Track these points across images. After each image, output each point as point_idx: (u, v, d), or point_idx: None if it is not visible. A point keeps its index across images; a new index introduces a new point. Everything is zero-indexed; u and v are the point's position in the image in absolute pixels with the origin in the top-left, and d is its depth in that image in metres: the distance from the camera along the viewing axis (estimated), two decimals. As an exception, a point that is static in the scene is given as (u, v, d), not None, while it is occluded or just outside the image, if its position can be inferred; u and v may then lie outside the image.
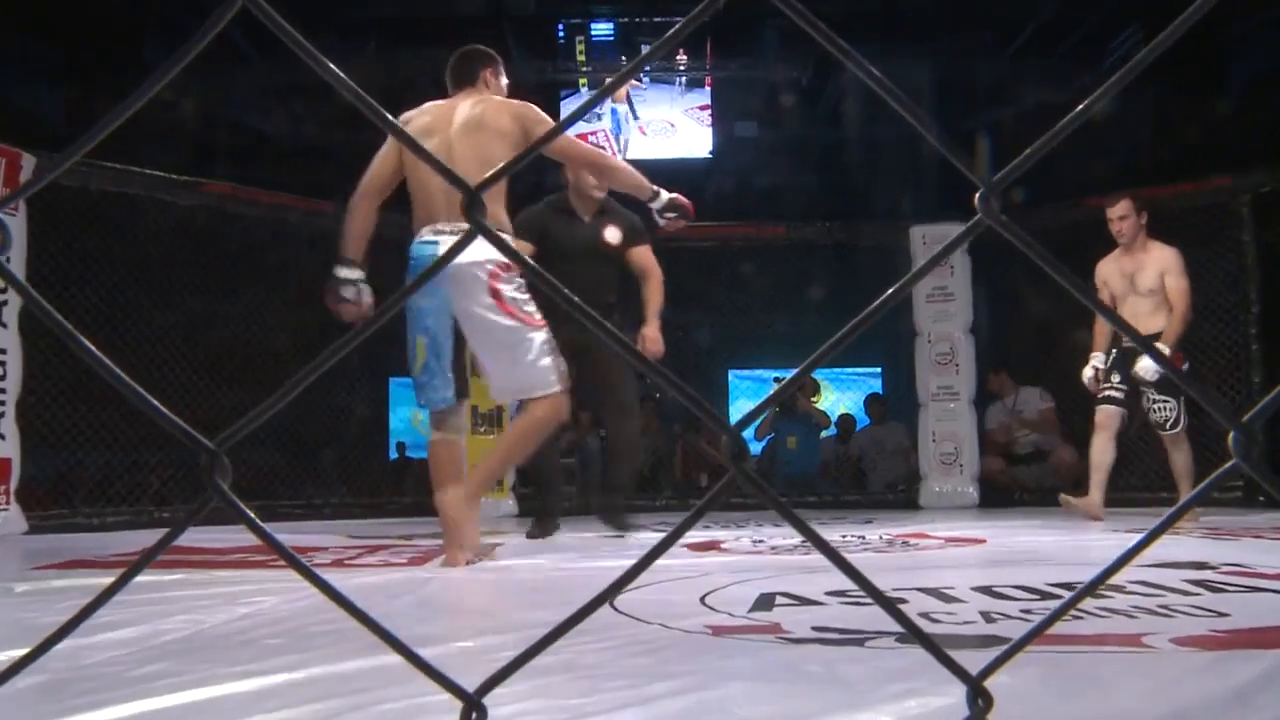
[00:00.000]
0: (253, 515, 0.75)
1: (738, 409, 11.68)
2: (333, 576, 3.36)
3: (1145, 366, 5.41)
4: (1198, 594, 2.44)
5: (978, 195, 0.75)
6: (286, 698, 1.51)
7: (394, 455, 11.23)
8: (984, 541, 4.39)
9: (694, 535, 4.65)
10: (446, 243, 3.53)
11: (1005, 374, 8.40)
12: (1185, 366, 5.37)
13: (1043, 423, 8.18)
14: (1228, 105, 9.13)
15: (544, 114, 3.79)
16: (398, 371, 11.94)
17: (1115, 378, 5.67)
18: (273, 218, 7.20)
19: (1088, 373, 5.72)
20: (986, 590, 2.58)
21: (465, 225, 3.01)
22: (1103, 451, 5.65)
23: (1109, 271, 5.69)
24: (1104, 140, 8.87)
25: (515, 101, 3.80)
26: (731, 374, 12.11)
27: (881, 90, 0.76)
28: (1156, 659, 1.70)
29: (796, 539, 4.75)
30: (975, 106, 10.98)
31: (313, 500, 7.42)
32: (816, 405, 9.93)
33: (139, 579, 2.67)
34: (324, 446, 7.73)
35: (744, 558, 3.74)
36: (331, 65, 0.73)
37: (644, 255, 5.17)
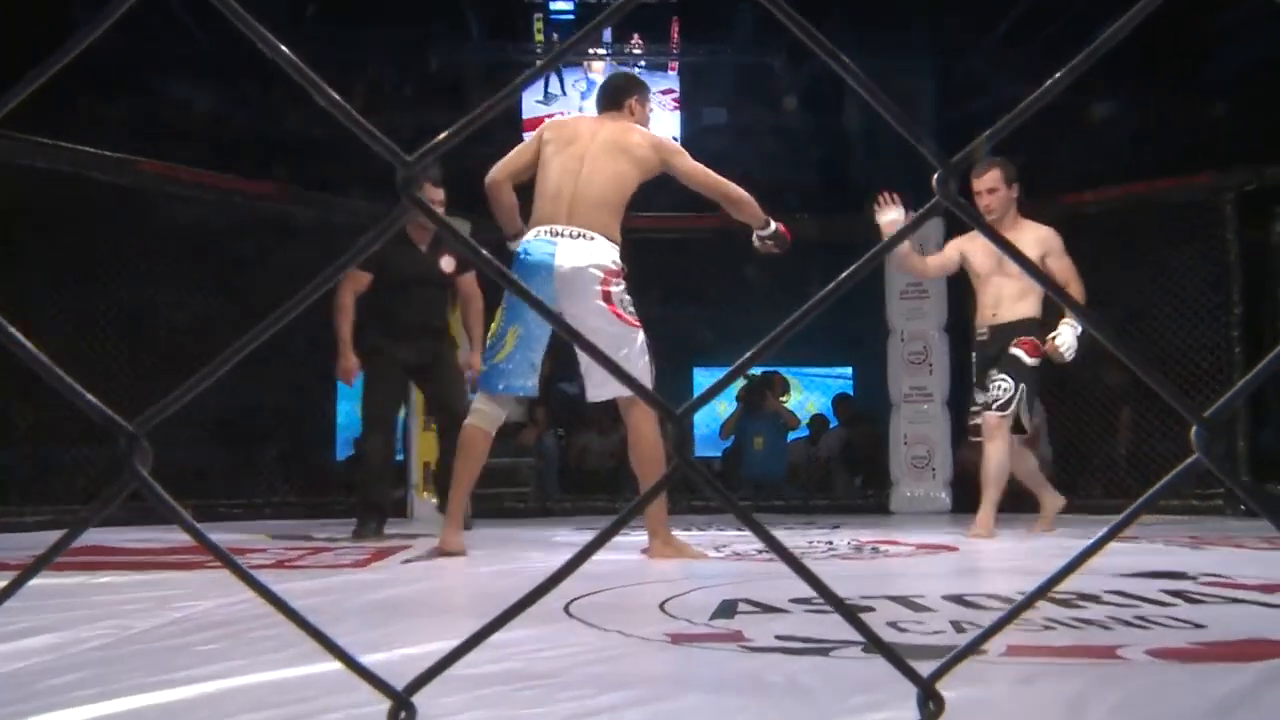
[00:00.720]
0: (175, 504, 0.74)
1: (703, 421, 11.69)
2: (274, 579, 3.32)
3: (1066, 343, 5.04)
4: (1175, 605, 2.46)
5: (935, 176, 0.76)
6: (218, 707, 1.48)
7: (342, 454, 11.15)
8: (956, 549, 4.42)
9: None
10: (564, 245, 3.93)
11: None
12: (1039, 359, 5.14)
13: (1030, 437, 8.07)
14: (1212, 101, 9.23)
15: (679, 146, 4.32)
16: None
17: (981, 397, 5.30)
18: (219, 200, 7.11)
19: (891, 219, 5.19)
20: (957, 599, 2.59)
21: (583, 229, 3.57)
22: (1021, 466, 5.41)
23: (973, 248, 5.38)
24: (1087, 137, 8.96)
25: (657, 134, 4.32)
26: (697, 372, 12.12)
27: (836, 64, 0.76)
28: (1131, 671, 1.71)
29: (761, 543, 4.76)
30: (965, 92, 11.04)
31: (253, 500, 7.34)
32: (785, 404, 9.94)
33: (63, 582, 2.61)
34: (266, 443, 7.66)
35: (705, 562, 3.74)
36: (278, 43, 0.72)
37: (471, 282, 5.50)
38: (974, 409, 5.36)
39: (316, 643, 0.75)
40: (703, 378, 12.13)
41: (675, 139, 11.65)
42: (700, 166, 4.18)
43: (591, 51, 11.64)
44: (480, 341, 5.28)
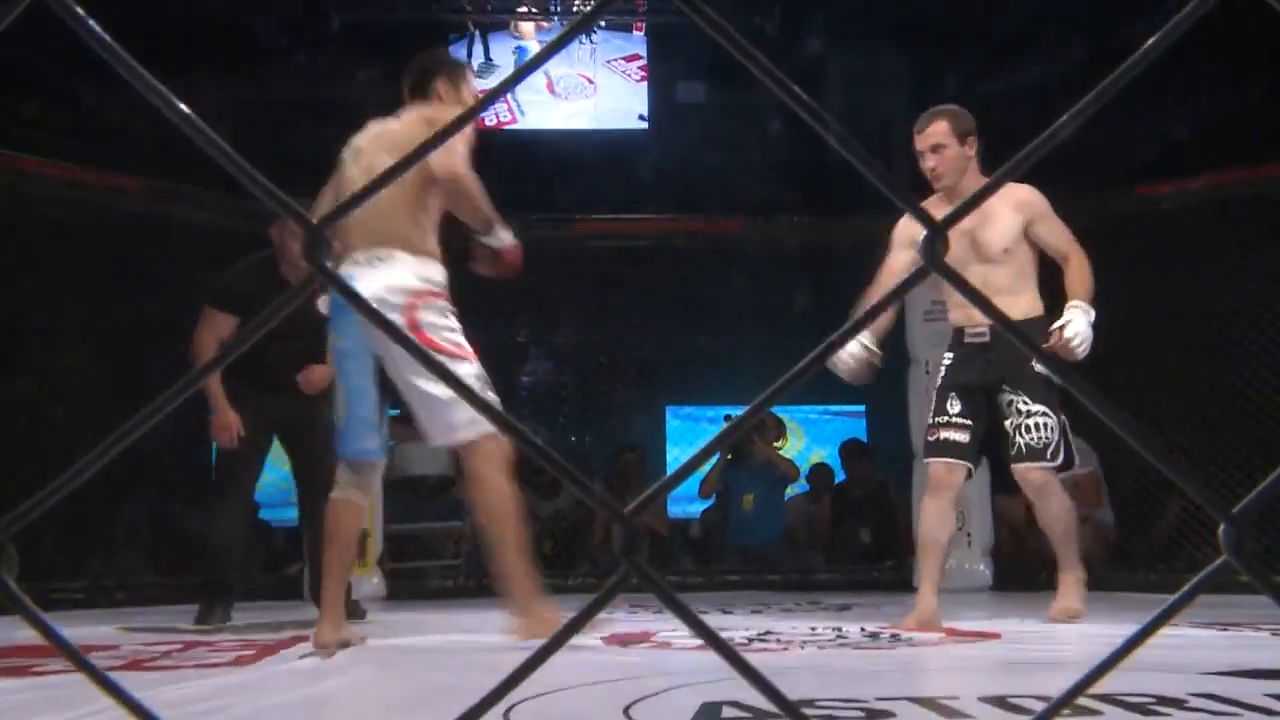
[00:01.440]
0: (48, 621, 0.76)
1: (676, 457, 11.69)
2: (132, 685, 3.29)
3: (1078, 333, 4.65)
4: (1281, 711, 2.47)
5: (921, 239, 0.80)
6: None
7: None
8: (997, 636, 4.44)
9: (619, 624, 4.64)
10: (364, 275, 4.01)
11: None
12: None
13: (1082, 489, 7.93)
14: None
15: (439, 119, 4.17)
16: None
17: (955, 405, 5.04)
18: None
19: (850, 352, 4.78)
20: (999, 701, 2.60)
21: (383, 253, 3.64)
22: (937, 525, 5.08)
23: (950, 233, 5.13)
24: (1154, 120, 9.08)
25: (442, 113, 4.29)
26: (670, 411, 12.13)
27: (804, 110, 0.80)
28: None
29: (754, 627, 4.76)
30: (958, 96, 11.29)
31: (101, 580, 7.23)
32: (780, 453, 9.88)
33: None
34: (116, 508, 7.58)
35: (683, 653, 3.74)
36: (173, 99, 0.75)
37: None
38: (940, 420, 5.08)
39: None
40: (676, 419, 12.15)
41: (642, 116, 11.73)
42: (456, 154, 4.09)
43: (525, 9, 11.71)
44: None
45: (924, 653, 3.92)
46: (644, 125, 11.70)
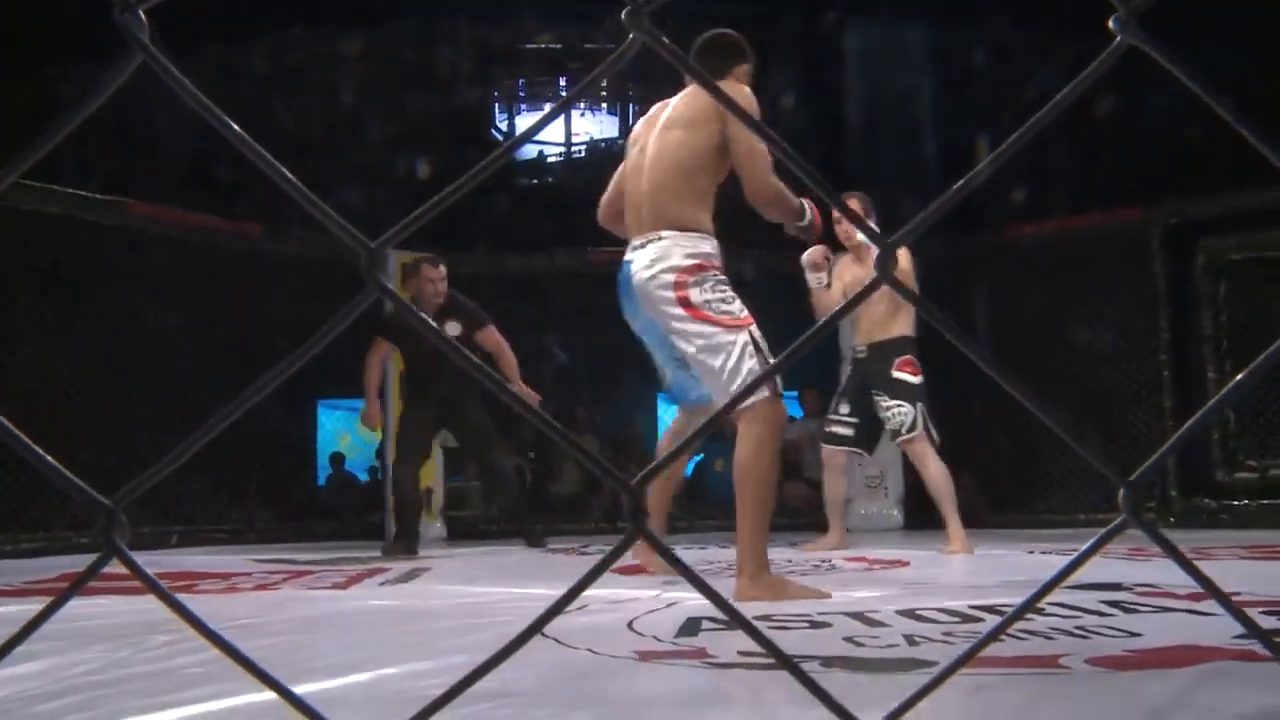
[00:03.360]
0: (154, 577, 0.75)
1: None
2: (255, 601, 3.28)
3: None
4: (1112, 615, 2.48)
5: (875, 256, 0.78)
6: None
7: (322, 479, 11.06)
8: (907, 564, 4.44)
9: (622, 558, 4.63)
10: (637, 256, 3.37)
11: (814, 393, 8.62)
12: (921, 377, 5.18)
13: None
14: (1143, 135, 9.31)
15: (747, 95, 3.34)
16: (325, 393, 11.72)
17: (844, 407, 5.42)
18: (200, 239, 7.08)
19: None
20: (910, 614, 2.60)
21: (659, 235, 2.96)
22: (835, 488, 5.55)
23: (839, 269, 5.38)
24: (1023, 168, 9.06)
25: (730, 85, 3.37)
26: (661, 397, 12.10)
27: (774, 145, 0.78)
28: (1073, 680, 1.72)
29: (725, 560, 4.76)
30: (982, 80, 10.31)
31: (237, 525, 7.26)
32: None
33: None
34: (248, 469, 7.58)
35: (677, 584, 3.73)
36: (243, 133, 0.73)
37: (490, 336, 5.99)
38: (833, 417, 5.47)
39: (260, 681, 0.74)
40: (666, 404, 12.11)
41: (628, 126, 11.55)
42: (754, 143, 3.30)
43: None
44: (518, 380, 5.90)
45: (852, 577, 3.92)
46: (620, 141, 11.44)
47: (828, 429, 5.50)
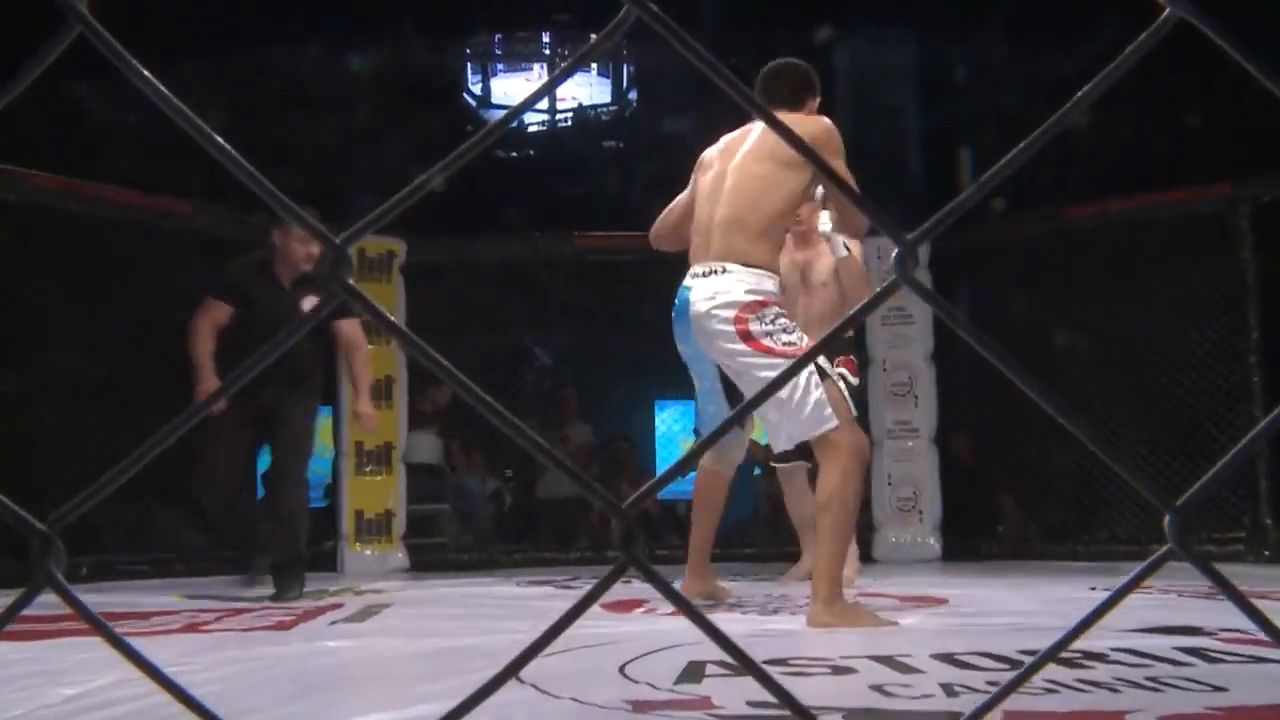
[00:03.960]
0: (90, 610, 0.75)
1: (665, 452, 11.69)
2: (182, 644, 3.27)
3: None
4: (1191, 664, 2.47)
5: (894, 254, 0.80)
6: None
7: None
8: (946, 601, 4.44)
9: (613, 593, 4.63)
10: (698, 285, 3.79)
11: None
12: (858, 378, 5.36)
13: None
14: (1230, 99, 9.29)
15: (830, 126, 3.81)
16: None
17: None
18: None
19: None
20: (948, 658, 2.60)
21: (717, 262, 3.41)
22: (802, 507, 5.63)
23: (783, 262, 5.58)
24: (1087, 142, 9.06)
25: (810, 119, 3.86)
26: (659, 406, 12.13)
27: (779, 131, 0.79)
28: (1140, 737, 1.72)
29: (730, 595, 4.76)
30: (963, 90, 11.21)
31: (161, 554, 7.22)
32: (750, 437, 9.83)
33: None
34: (173, 489, 7.55)
35: (671, 619, 3.73)
36: (212, 133, 0.76)
37: (353, 329, 5.56)
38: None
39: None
40: (665, 414, 12.14)
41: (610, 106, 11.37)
42: (848, 177, 3.65)
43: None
44: (364, 385, 5.54)
45: (881, 616, 3.91)
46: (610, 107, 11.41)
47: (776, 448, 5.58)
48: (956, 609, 4.19)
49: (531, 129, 14.17)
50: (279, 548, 5.33)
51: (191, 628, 3.79)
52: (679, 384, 11.05)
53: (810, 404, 3.61)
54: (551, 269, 8.70)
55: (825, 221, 5.17)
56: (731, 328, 3.69)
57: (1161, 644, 2.75)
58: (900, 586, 5.22)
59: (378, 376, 7.51)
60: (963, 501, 8.20)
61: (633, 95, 14.02)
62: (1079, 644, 2.61)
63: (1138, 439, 7.15)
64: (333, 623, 3.95)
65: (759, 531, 9.22)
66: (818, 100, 4.03)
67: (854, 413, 3.91)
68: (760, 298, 3.71)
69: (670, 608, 4.08)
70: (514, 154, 13.78)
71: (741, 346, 3.68)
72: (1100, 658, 2.51)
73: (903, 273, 0.80)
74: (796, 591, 5.02)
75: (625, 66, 13.84)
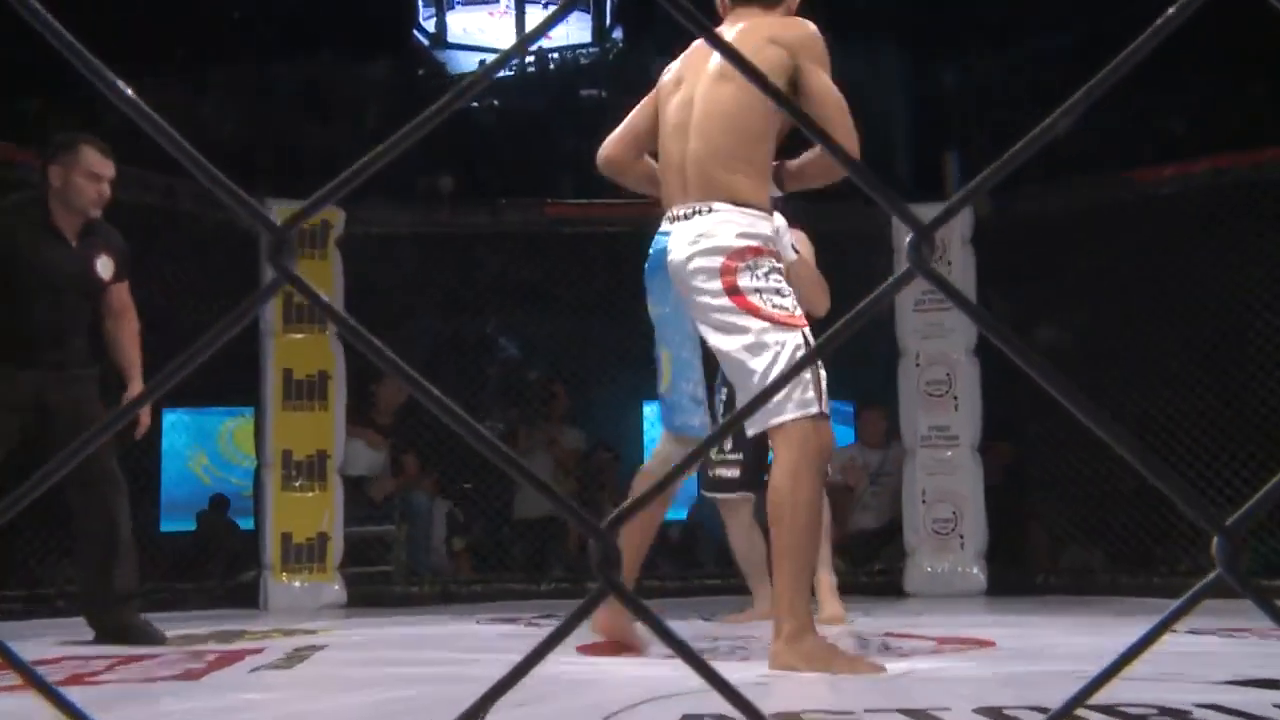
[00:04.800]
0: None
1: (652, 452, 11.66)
2: (73, 699, 3.25)
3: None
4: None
5: (908, 240, 0.82)
6: None
7: (175, 522, 11.02)
8: (991, 643, 4.43)
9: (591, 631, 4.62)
10: (678, 230, 3.67)
11: (878, 414, 8.77)
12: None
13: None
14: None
15: (815, 32, 3.71)
16: (177, 400, 11.68)
17: (727, 441, 5.52)
18: None
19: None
20: (994, 713, 2.59)
21: (699, 201, 3.27)
22: (745, 543, 5.68)
23: None
24: (1154, 100, 9.08)
25: (790, 21, 3.77)
26: (647, 407, 12.11)
27: (789, 109, 0.79)
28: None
29: (742, 631, 4.76)
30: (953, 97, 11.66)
31: (37, 589, 7.15)
32: None
33: None
34: (51, 511, 7.51)
35: (661, 662, 3.73)
36: (138, 100, 0.78)
37: (124, 293, 5.27)
38: (714, 456, 5.59)
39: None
40: (654, 414, 12.12)
41: (591, 49, 11.60)
42: (836, 91, 3.65)
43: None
44: (138, 368, 5.17)
45: (915, 661, 3.91)
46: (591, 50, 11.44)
47: (711, 472, 5.67)
48: (1004, 653, 4.18)
49: (498, 76, 14.08)
50: (111, 589, 5.01)
51: (77, 679, 3.76)
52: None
53: (785, 385, 3.37)
54: (519, 242, 8.67)
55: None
56: (717, 280, 3.56)
57: (1257, 699, 2.74)
58: (937, 625, 5.22)
59: (309, 372, 7.49)
60: (1013, 524, 8.20)
61: (617, 34, 13.96)
62: (1157, 698, 2.61)
63: (1228, 444, 7.16)
64: (254, 670, 3.93)
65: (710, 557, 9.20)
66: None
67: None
68: (754, 243, 3.58)
69: (663, 649, 4.07)
70: (474, 105, 13.71)
71: (725, 301, 3.56)
72: (1182, 715, 2.50)
73: (918, 261, 0.81)
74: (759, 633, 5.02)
75: (607, 2, 13.78)
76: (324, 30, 12.00)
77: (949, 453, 8.06)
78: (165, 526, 10.87)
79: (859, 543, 8.74)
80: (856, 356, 8.94)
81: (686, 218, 3.65)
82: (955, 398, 8.05)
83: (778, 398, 3.44)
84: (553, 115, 13.44)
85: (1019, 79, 11.68)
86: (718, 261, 3.55)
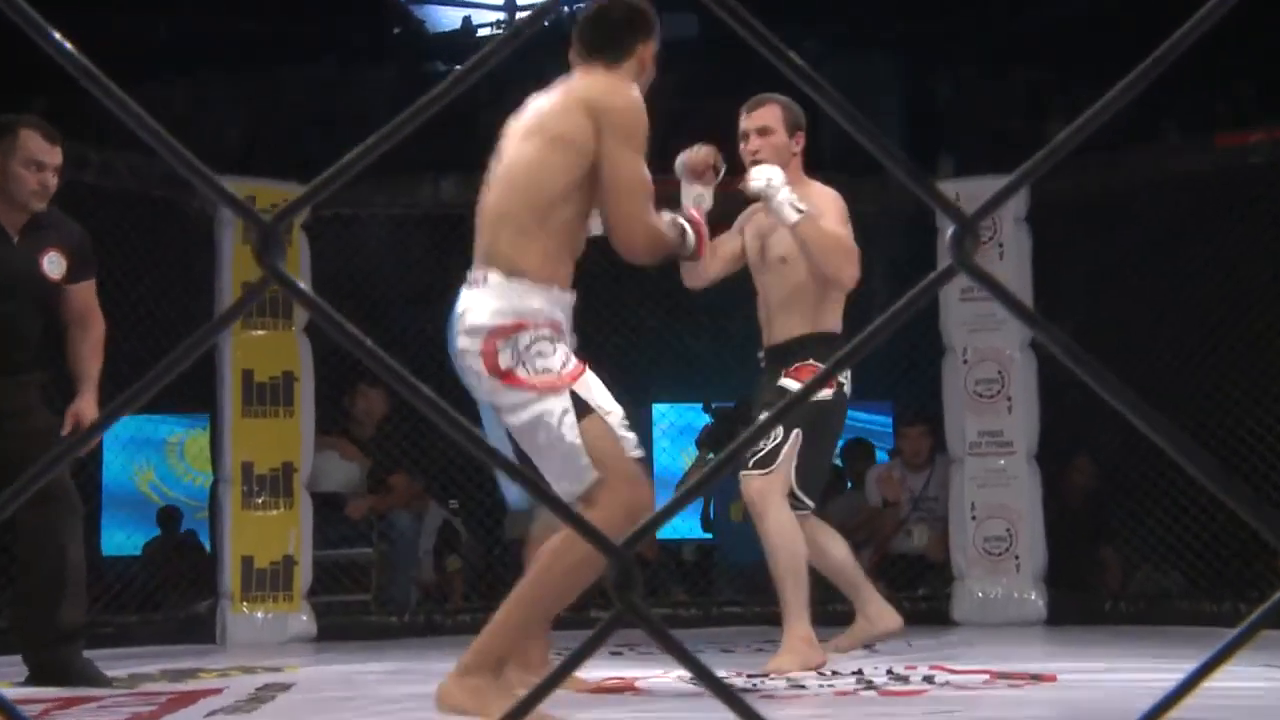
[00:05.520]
0: None
1: (663, 466, 11.70)
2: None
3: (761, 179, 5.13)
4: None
5: (949, 234, 0.83)
6: None
7: (120, 543, 11.05)
8: (1053, 679, 4.43)
9: (598, 670, 4.63)
10: (466, 297, 3.79)
11: (919, 432, 8.67)
12: (831, 391, 5.20)
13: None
14: None
15: (631, 104, 3.84)
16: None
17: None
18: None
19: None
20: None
21: (485, 275, 3.40)
22: (823, 560, 5.58)
23: (749, 226, 5.58)
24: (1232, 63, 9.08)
25: (606, 83, 3.90)
26: (657, 409, 12.11)
27: (817, 93, 0.83)
28: None
29: (757, 669, 4.76)
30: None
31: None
32: None
33: None
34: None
35: (671, 704, 3.74)
36: (124, 96, 0.80)
37: (88, 294, 5.26)
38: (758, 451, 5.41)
39: None
40: (664, 415, 12.14)
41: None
42: (637, 169, 3.80)
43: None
44: (93, 380, 5.17)
45: (966, 698, 3.92)
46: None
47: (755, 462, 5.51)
48: (1067, 689, 4.19)
49: (482, 33, 14.12)
50: (55, 624, 4.98)
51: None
52: (683, 377, 11.09)
53: (564, 450, 3.61)
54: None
55: (756, 176, 5.12)
56: (479, 363, 3.70)
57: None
58: (990, 658, 5.21)
59: (272, 373, 7.47)
60: (1077, 542, 8.15)
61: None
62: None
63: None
64: (210, 714, 3.95)
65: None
66: (649, 47, 4.03)
67: (632, 452, 3.78)
68: (513, 320, 3.69)
69: (670, 689, 4.08)
70: (456, 66, 13.69)
71: (494, 383, 3.71)
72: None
73: (959, 257, 0.82)
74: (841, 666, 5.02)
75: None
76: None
77: (1001, 461, 7.98)
78: (108, 550, 10.91)
79: (900, 565, 8.73)
80: (892, 356, 8.93)
81: (468, 286, 3.80)
82: (1009, 399, 7.98)
83: (559, 466, 3.61)
84: (544, 75, 13.50)
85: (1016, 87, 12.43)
86: (478, 343, 3.69)
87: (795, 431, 5.12)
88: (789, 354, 5.24)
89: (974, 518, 8.03)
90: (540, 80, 4.08)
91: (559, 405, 3.62)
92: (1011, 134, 11.32)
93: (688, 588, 9.53)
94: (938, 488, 8.48)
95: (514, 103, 4.09)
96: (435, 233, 8.58)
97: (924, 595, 8.52)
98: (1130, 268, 7.94)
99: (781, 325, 5.36)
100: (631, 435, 3.75)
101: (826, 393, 5.12)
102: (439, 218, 8.40)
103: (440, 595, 8.66)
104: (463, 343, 3.71)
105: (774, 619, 7.85)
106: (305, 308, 0.83)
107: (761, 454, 5.10)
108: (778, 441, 5.10)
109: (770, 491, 5.12)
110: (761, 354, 5.51)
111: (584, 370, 3.71)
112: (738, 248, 5.54)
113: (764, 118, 5.31)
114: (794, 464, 5.15)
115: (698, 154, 4.80)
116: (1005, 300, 0.85)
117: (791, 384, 5.14)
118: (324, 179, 0.82)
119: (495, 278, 3.72)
